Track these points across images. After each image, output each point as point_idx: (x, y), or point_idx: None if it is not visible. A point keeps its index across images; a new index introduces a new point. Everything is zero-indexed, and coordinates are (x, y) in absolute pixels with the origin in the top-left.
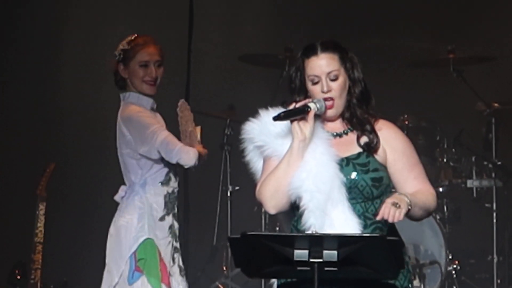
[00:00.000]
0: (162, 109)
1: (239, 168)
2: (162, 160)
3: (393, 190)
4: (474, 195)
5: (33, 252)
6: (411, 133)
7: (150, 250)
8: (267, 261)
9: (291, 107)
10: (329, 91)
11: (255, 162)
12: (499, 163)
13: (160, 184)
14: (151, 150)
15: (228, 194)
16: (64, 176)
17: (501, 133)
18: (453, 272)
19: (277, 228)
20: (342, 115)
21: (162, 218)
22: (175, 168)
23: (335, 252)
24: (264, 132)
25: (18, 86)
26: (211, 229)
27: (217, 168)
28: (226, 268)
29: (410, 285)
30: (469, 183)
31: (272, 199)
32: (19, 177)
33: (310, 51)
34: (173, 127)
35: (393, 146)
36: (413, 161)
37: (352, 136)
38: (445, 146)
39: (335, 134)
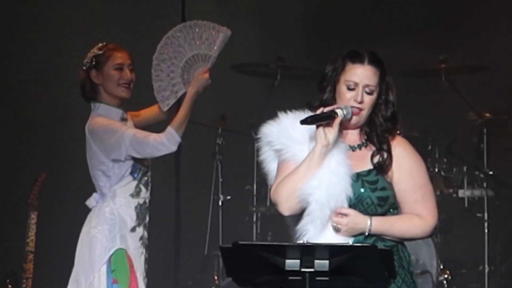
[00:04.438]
0: None
1: (231, 178)
2: (131, 172)
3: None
4: (466, 205)
5: (25, 261)
6: None
7: (121, 260)
8: (258, 270)
9: (319, 111)
10: (361, 102)
11: (269, 163)
12: (491, 173)
13: (130, 196)
14: (121, 153)
15: (220, 203)
16: (56, 185)
17: (493, 143)
18: (445, 282)
19: (269, 238)
20: (361, 128)
21: (133, 229)
22: (146, 180)
23: (327, 261)
24: (284, 135)
25: (9, 95)
26: (203, 238)
27: (209, 178)
28: (217, 277)
29: None
30: (461, 193)
31: (287, 201)
32: (11, 186)
33: (357, 58)
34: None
35: (400, 165)
36: (418, 183)
37: (365, 151)
38: (437, 155)
39: (349, 147)
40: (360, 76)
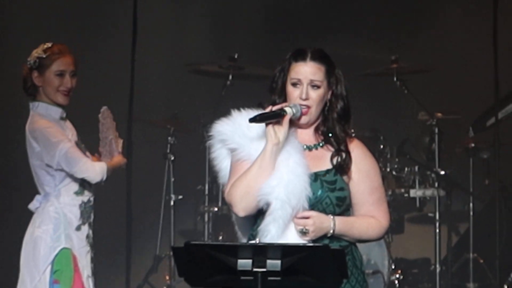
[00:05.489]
0: None
1: (183, 177)
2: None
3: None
4: (417, 204)
5: None
6: None
7: (65, 261)
8: (210, 270)
9: (268, 109)
10: (307, 99)
11: (221, 161)
12: (442, 172)
13: (74, 194)
14: (52, 160)
15: (172, 203)
16: (3, 186)
17: (444, 143)
18: (396, 281)
19: (220, 238)
20: (316, 128)
21: (78, 228)
22: None
23: (279, 261)
24: (238, 134)
25: None
26: (154, 238)
27: (160, 177)
28: (169, 277)
29: None
30: (412, 192)
31: (242, 201)
32: None
33: (299, 56)
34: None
35: (359, 167)
36: (375, 184)
37: (322, 151)
38: (388, 155)
39: (305, 146)
40: (304, 73)
